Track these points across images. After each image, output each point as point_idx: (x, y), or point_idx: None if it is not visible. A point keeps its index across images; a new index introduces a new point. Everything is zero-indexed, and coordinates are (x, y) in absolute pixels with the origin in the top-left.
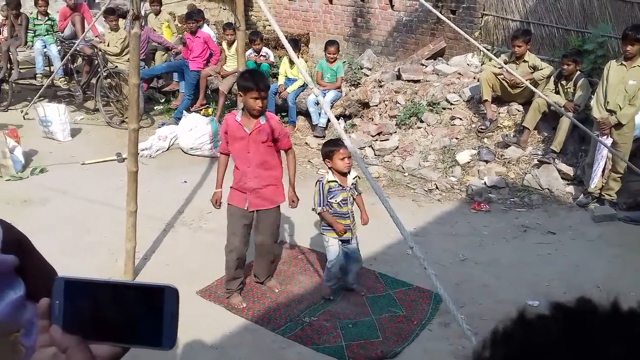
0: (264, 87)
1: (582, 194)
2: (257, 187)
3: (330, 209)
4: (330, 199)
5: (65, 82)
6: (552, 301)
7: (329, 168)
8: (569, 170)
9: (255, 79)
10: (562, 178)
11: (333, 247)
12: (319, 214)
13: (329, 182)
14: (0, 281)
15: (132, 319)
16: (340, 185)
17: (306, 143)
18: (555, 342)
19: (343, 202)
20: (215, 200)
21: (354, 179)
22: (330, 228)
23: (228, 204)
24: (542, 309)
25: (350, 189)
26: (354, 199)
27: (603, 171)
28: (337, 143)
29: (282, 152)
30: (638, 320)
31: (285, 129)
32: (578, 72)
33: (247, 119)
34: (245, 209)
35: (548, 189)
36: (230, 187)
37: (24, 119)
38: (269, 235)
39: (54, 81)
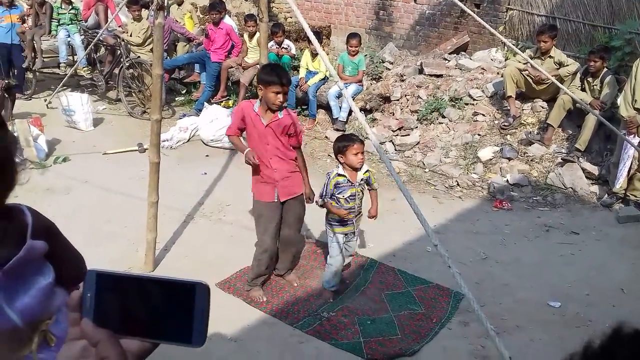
0: (286, 82)
1: (606, 194)
2: (283, 177)
3: (337, 203)
4: (338, 194)
5: (89, 72)
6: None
7: (341, 163)
8: (594, 169)
9: (278, 74)
10: (587, 177)
11: (336, 243)
12: (321, 205)
13: (338, 175)
14: (30, 267)
15: (163, 314)
16: (349, 181)
17: (326, 137)
18: None
19: (351, 198)
20: (252, 155)
21: (364, 174)
22: (336, 223)
23: (256, 200)
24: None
25: (360, 184)
26: (362, 193)
27: (629, 171)
28: (350, 138)
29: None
30: None
31: (301, 126)
32: (605, 69)
33: (264, 112)
34: (276, 200)
35: (572, 188)
36: (254, 183)
37: (48, 107)
38: (296, 228)
39: (77, 70)
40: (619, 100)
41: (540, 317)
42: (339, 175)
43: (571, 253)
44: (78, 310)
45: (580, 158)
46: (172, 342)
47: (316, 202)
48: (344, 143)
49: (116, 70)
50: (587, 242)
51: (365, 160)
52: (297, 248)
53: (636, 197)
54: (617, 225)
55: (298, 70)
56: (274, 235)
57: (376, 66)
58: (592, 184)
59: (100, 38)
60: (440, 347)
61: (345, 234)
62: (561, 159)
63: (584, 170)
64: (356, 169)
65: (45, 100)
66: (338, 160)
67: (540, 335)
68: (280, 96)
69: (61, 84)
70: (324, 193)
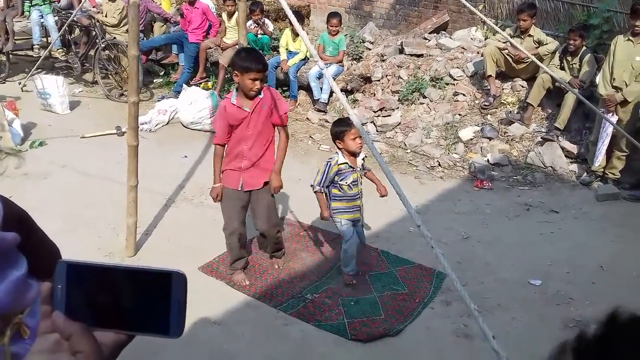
0: (263, 68)
1: (585, 172)
2: (250, 166)
3: (340, 190)
4: (341, 181)
5: (63, 54)
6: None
7: (340, 149)
8: (573, 148)
9: (254, 59)
10: (566, 156)
11: (346, 226)
12: (315, 192)
13: (339, 164)
14: (1, 259)
15: (138, 305)
16: (351, 167)
17: (307, 118)
18: None
19: (353, 184)
20: (216, 194)
21: (362, 159)
22: (341, 210)
23: (222, 185)
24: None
25: (360, 169)
26: (362, 178)
27: (607, 149)
28: (347, 123)
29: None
30: None
31: (286, 104)
32: (584, 48)
33: (242, 99)
34: (240, 189)
35: (551, 166)
36: (223, 170)
37: (22, 91)
38: (267, 222)
39: (52, 52)
40: (598, 79)
41: (521, 295)
42: (341, 163)
43: (551, 232)
44: (49, 303)
45: (560, 137)
46: (148, 334)
47: (311, 186)
48: (341, 128)
49: (92, 52)
50: (567, 221)
51: None
52: (276, 235)
53: (614, 175)
54: (596, 204)
55: (278, 51)
56: (240, 217)
57: (356, 46)
58: (571, 162)
59: (74, 19)
60: (423, 326)
61: (352, 221)
62: (541, 138)
63: (563, 149)
64: (354, 154)
65: (20, 84)
66: (336, 145)
67: (521, 313)
68: (257, 82)
69: (35, 66)
70: (321, 181)
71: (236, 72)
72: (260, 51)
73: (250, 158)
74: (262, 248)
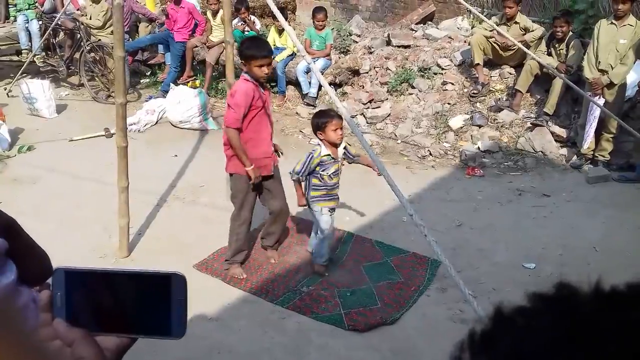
0: (268, 53)
1: (575, 156)
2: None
3: (321, 181)
4: (322, 171)
5: (42, 60)
6: (530, 292)
7: (321, 140)
8: (562, 132)
9: (260, 46)
10: (556, 140)
11: (326, 215)
12: (293, 180)
13: (322, 156)
14: None
15: (139, 308)
16: (333, 158)
17: (297, 113)
18: (545, 347)
19: (334, 174)
20: (258, 174)
21: (344, 148)
22: (320, 198)
23: (239, 176)
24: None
25: (341, 159)
26: (342, 167)
27: (596, 132)
28: (328, 114)
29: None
30: (631, 302)
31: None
32: (570, 33)
33: (255, 86)
34: (271, 173)
35: (542, 151)
36: (255, 159)
37: (8, 96)
38: (284, 199)
39: (34, 58)
40: (584, 63)
41: (515, 279)
42: (323, 155)
43: (543, 215)
44: (49, 310)
45: (549, 122)
46: (150, 336)
47: (290, 174)
48: (323, 119)
49: (77, 55)
50: (559, 204)
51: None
52: (286, 216)
53: (604, 157)
54: (587, 186)
55: None
56: (252, 208)
57: (344, 39)
58: (561, 146)
59: (59, 22)
60: (419, 314)
61: (330, 209)
62: (530, 123)
63: (553, 133)
64: (336, 145)
65: (5, 89)
66: (317, 137)
67: (516, 296)
68: (264, 68)
69: (20, 71)
70: (301, 170)
71: (244, 60)
72: None
73: (270, 146)
74: (263, 238)
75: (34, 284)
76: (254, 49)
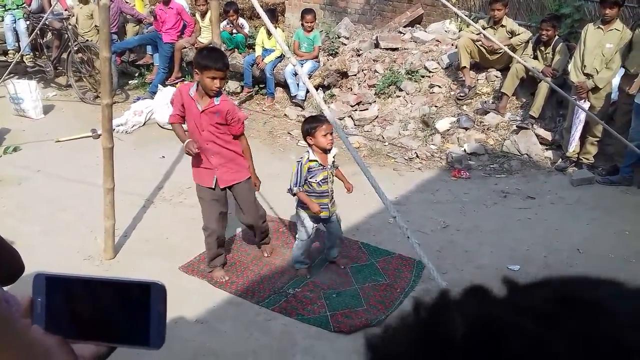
0: (223, 67)
1: (560, 159)
2: (221, 163)
3: (309, 187)
4: (310, 178)
5: (30, 59)
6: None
7: (310, 146)
8: (548, 135)
9: (214, 58)
10: (541, 143)
11: (306, 227)
12: (294, 194)
13: (309, 161)
14: None
15: (118, 316)
16: (321, 165)
17: (285, 115)
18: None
19: (323, 181)
20: (193, 146)
21: (334, 156)
22: (305, 206)
23: (196, 183)
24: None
25: (331, 167)
26: (333, 177)
27: (581, 135)
28: (318, 119)
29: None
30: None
31: (241, 114)
32: (556, 37)
33: (200, 97)
34: (214, 187)
35: (527, 154)
36: (193, 167)
37: None
38: (254, 214)
39: (23, 57)
40: (569, 67)
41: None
42: (311, 160)
43: (528, 217)
44: (29, 316)
45: (534, 125)
46: (129, 345)
47: (289, 190)
48: (313, 124)
49: (64, 55)
50: (543, 206)
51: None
52: (263, 225)
53: (589, 160)
54: (572, 188)
55: (254, 49)
56: (218, 218)
57: (332, 42)
58: (546, 149)
59: (46, 22)
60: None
61: (318, 219)
62: (516, 126)
63: (538, 136)
64: (326, 151)
65: None
66: (307, 142)
67: None
68: (216, 81)
69: (7, 71)
70: (297, 181)
71: (196, 69)
72: (236, 49)
73: (217, 158)
74: (247, 241)
75: (3, 283)
76: (210, 59)
